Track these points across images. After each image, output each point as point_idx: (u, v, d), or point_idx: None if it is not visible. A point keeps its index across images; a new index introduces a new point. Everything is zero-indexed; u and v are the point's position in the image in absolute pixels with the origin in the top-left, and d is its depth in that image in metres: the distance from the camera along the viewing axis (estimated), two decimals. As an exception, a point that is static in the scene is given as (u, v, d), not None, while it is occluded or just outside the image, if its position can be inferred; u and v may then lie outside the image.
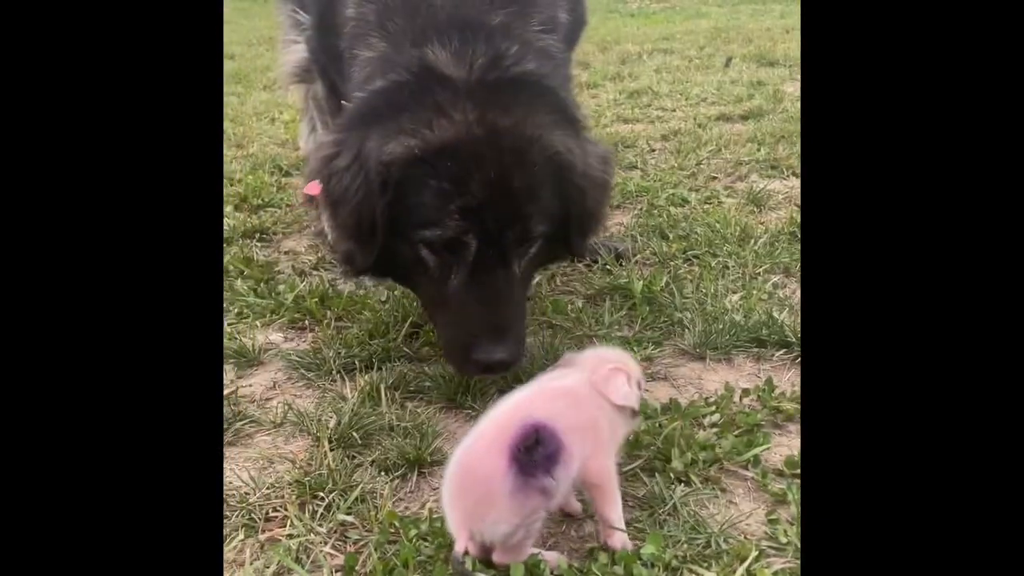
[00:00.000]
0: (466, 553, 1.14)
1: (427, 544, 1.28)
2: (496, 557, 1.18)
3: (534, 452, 1.13)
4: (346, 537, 1.34)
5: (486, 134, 1.47)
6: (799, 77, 4.36)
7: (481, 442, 1.18)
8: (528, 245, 1.57)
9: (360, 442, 1.57)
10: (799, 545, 1.23)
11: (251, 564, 1.29)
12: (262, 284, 2.34)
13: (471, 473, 1.17)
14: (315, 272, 2.49)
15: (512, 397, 1.26)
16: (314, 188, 1.77)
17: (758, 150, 3.50)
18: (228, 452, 1.60)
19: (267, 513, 1.40)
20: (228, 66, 6.53)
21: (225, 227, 2.88)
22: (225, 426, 1.66)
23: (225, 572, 1.29)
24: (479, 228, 1.48)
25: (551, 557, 1.22)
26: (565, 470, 1.16)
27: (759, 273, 2.25)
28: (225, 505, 1.43)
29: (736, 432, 1.54)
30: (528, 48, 1.64)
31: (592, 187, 1.64)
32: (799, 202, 2.74)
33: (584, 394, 1.27)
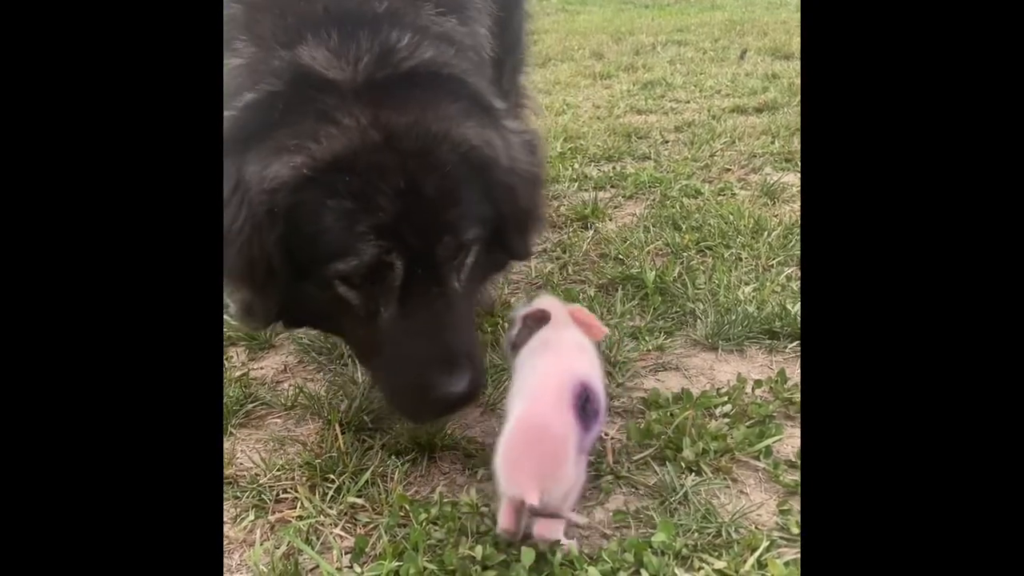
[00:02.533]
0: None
1: (437, 528, 1.28)
2: (539, 529, 1.19)
3: (587, 409, 1.18)
4: (356, 519, 1.34)
5: (384, 138, 1.24)
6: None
7: (545, 401, 1.20)
8: (463, 255, 1.35)
9: (371, 426, 1.57)
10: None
11: (261, 544, 1.30)
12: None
13: (545, 430, 1.18)
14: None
15: (550, 352, 1.27)
16: None
17: (772, 143, 3.48)
18: (239, 434, 1.60)
19: (278, 494, 1.41)
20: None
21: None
22: (236, 408, 1.66)
23: (235, 552, 1.30)
24: (401, 247, 1.25)
25: (569, 542, 1.22)
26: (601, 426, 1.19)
27: (772, 265, 2.23)
28: (236, 486, 1.43)
29: (748, 423, 1.53)
30: (424, 35, 1.39)
31: (521, 182, 1.41)
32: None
33: (589, 347, 1.32)
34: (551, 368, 1.26)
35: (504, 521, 1.20)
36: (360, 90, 1.28)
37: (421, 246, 1.26)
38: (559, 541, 1.20)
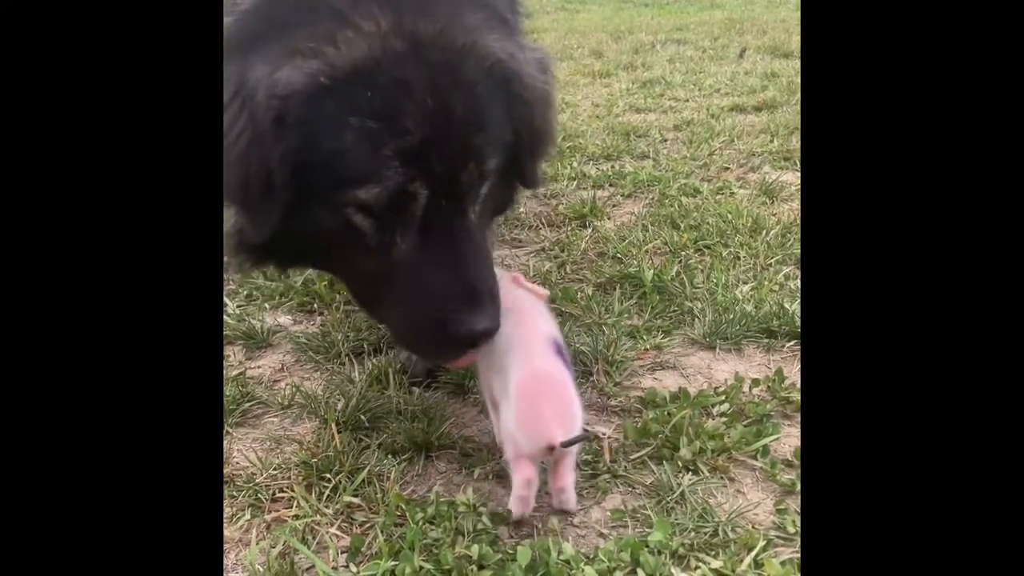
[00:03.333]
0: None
1: (433, 527, 1.28)
2: (560, 479, 1.30)
3: (563, 358, 1.32)
4: (352, 519, 1.34)
5: (409, 47, 1.13)
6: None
7: (541, 355, 1.30)
8: (481, 185, 1.25)
9: (367, 425, 1.57)
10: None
11: (257, 544, 1.29)
12: (271, 267, 2.34)
13: (553, 378, 1.28)
14: (324, 256, 2.49)
15: (517, 316, 1.35)
16: None
17: (771, 141, 3.48)
18: (236, 432, 1.60)
19: (274, 494, 1.40)
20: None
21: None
22: (233, 407, 1.66)
23: (231, 551, 1.30)
24: (426, 174, 1.15)
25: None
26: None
27: (771, 264, 2.23)
28: (232, 485, 1.43)
29: (745, 422, 1.53)
30: None
31: (537, 101, 1.32)
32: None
33: (541, 305, 1.45)
34: (528, 328, 1.35)
35: (520, 487, 1.27)
36: None
37: (447, 173, 1.17)
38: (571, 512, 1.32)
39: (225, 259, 1.36)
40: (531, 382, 1.26)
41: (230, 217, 1.28)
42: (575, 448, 1.29)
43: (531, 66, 1.31)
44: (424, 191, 1.17)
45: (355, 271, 1.32)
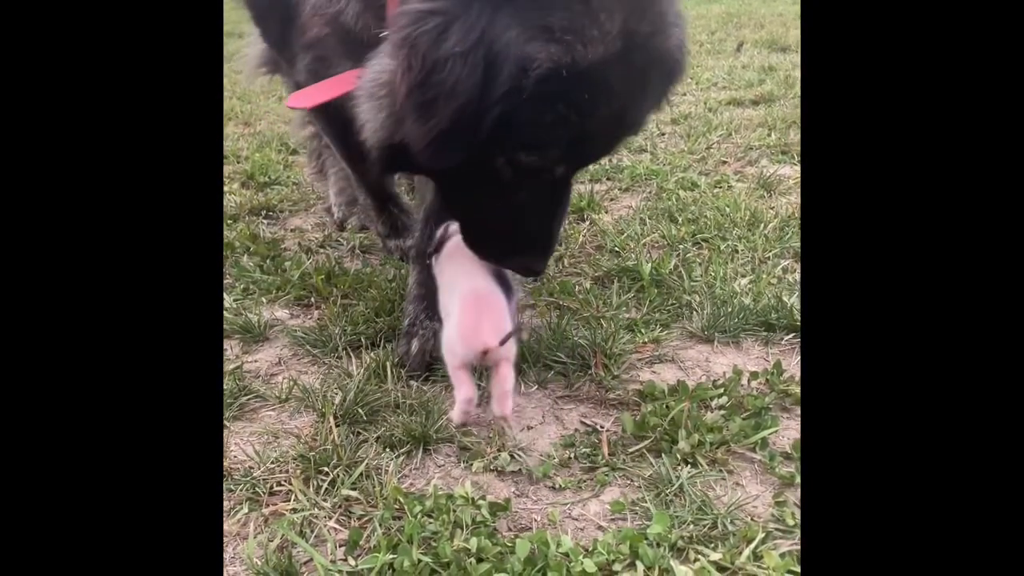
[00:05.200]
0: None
1: (432, 520, 1.28)
2: (499, 384, 1.48)
3: (502, 283, 1.55)
4: (350, 512, 1.34)
5: (622, 49, 1.23)
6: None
7: (482, 277, 1.53)
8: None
9: (365, 418, 1.56)
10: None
11: (255, 537, 1.29)
12: (268, 261, 2.34)
13: (489, 295, 1.51)
14: (321, 250, 2.48)
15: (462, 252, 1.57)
16: (309, 98, 1.51)
17: (768, 135, 3.47)
18: (233, 427, 1.60)
19: (271, 487, 1.40)
20: (237, 44, 6.49)
21: (232, 204, 2.87)
22: (230, 401, 1.65)
23: (229, 545, 1.29)
24: (574, 159, 1.37)
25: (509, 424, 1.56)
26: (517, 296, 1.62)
27: (769, 257, 2.23)
28: (230, 479, 1.42)
29: (744, 415, 1.53)
30: None
31: (679, 78, 1.46)
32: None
33: None
34: (471, 260, 1.55)
35: (462, 402, 1.48)
36: None
37: (587, 160, 1.39)
38: (507, 417, 1.52)
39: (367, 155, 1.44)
40: (470, 298, 1.49)
41: (412, 139, 1.28)
42: (511, 354, 1.48)
43: (680, 50, 1.40)
44: (564, 169, 1.37)
45: (472, 195, 1.46)
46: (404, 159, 1.34)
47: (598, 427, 1.54)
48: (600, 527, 1.29)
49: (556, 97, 1.22)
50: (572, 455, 1.46)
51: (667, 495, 1.34)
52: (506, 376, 1.48)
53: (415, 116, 1.23)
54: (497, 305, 1.49)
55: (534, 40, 1.19)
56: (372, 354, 1.79)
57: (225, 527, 1.32)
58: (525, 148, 1.30)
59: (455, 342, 1.47)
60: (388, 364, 1.72)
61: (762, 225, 2.42)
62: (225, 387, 1.68)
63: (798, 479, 1.35)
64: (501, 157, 1.33)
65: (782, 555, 1.19)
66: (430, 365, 1.73)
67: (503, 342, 1.44)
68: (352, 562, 1.22)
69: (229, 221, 2.71)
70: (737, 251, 2.28)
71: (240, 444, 1.53)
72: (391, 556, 1.20)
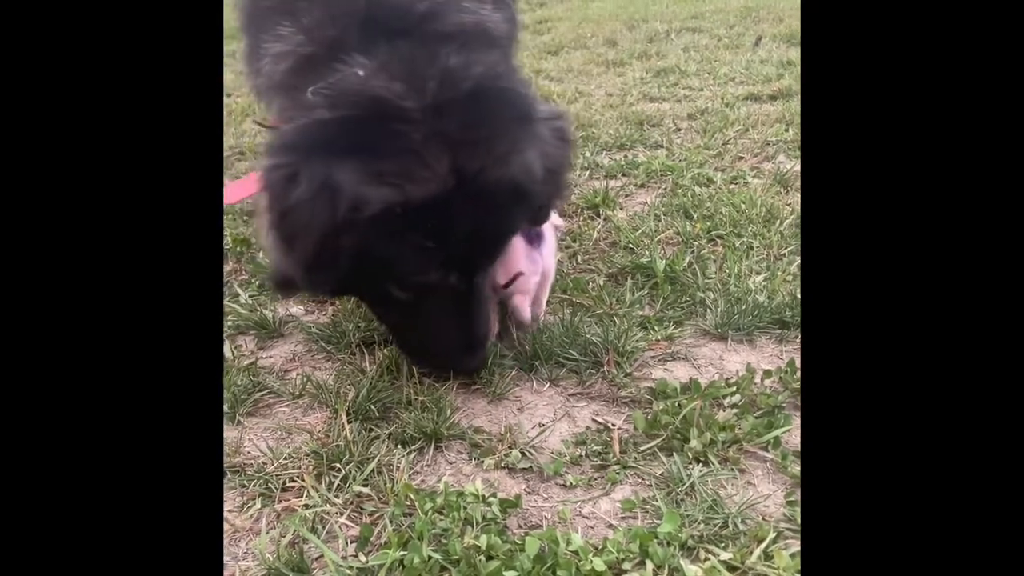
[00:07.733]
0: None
1: (442, 517, 1.28)
2: (513, 305, 1.73)
3: (532, 233, 1.75)
4: (362, 508, 1.34)
5: (457, 184, 1.34)
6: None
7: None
8: (494, 263, 1.61)
9: (378, 415, 1.57)
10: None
11: (267, 533, 1.30)
12: (283, 257, 2.34)
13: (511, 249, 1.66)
14: (336, 246, 2.49)
15: None
16: (240, 191, 1.70)
17: (786, 131, 3.44)
18: (247, 422, 1.61)
19: (284, 483, 1.41)
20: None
21: (247, 201, 2.89)
22: (244, 397, 1.67)
23: (241, 540, 1.31)
24: (461, 272, 1.46)
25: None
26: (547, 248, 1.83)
27: (784, 254, 2.21)
28: (243, 474, 1.44)
29: (756, 413, 1.52)
30: (467, 40, 1.45)
31: (552, 174, 1.51)
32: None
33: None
34: None
35: None
36: (431, 120, 1.33)
37: (474, 268, 1.49)
38: (523, 322, 1.76)
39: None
40: None
41: (290, 273, 1.46)
42: (526, 289, 1.74)
43: (550, 143, 1.49)
44: (454, 279, 1.46)
45: (386, 314, 1.64)
46: (304, 285, 1.50)
47: (610, 425, 1.54)
48: (611, 525, 1.29)
49: (403, 229, 1.35)
50: (583, 453, 1.46)
51: (678, 494, 1.33)
52: (516, 306, 1.71)
53: (283, 249, 1.41)
54: (514, 247, 1.63)
55: (366, 184, 1.31)
56: (385, 351, 1.80)
57: (238, 522, 1.34)
58: (399, 274, 1.44)
59: None
60: (401, 361, 1.73)
61: (778, 221, 2.41)
62: (240, 383, 1.70)
63: (811, 478, 1.34)
64: (386, 283, 1.47)
65: (793, 555, 1.18)
66: None
67: (507, 285, 1.63)
68: (363, 558, 1.23)
69: (246, 217, 2.73)
70: (752, 248, 2.26)
71: (254, 440, 1.54)
72: (401, 552, 1.21)
